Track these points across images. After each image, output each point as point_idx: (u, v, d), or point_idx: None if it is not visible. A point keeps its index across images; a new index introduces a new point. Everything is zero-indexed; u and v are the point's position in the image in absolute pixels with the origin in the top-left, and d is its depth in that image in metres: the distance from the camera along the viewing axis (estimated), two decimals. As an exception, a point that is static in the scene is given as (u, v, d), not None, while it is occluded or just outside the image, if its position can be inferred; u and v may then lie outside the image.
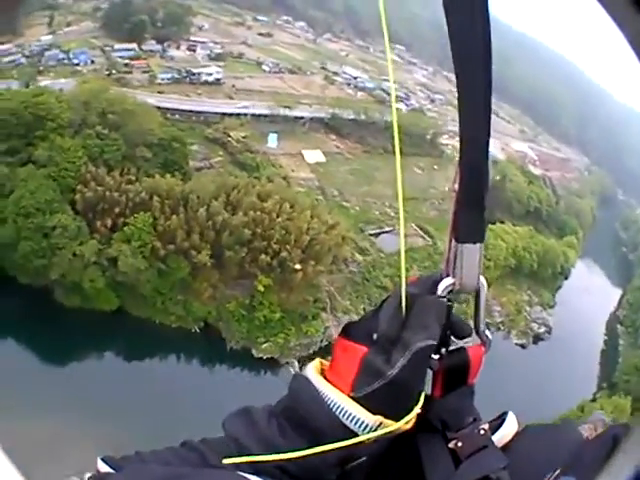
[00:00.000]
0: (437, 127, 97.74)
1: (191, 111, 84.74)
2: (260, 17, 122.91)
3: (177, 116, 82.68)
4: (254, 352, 64.59)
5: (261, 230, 64.55)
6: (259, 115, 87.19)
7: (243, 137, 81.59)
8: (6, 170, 62.35)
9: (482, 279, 1.81)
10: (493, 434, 1.74)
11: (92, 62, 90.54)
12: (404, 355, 1.60)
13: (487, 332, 1.84)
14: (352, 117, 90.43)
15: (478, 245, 1.75)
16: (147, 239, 62.33)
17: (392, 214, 75.77)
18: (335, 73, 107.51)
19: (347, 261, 72.06)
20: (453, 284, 1.76)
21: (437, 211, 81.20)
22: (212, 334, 65.41)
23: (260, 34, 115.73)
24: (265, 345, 64.93)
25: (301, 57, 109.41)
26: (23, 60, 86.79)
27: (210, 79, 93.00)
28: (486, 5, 1.42)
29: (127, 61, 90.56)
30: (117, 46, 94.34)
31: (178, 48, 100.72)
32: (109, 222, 62.75)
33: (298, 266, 63.97)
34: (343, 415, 1.58)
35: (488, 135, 1.57)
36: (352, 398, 1.60)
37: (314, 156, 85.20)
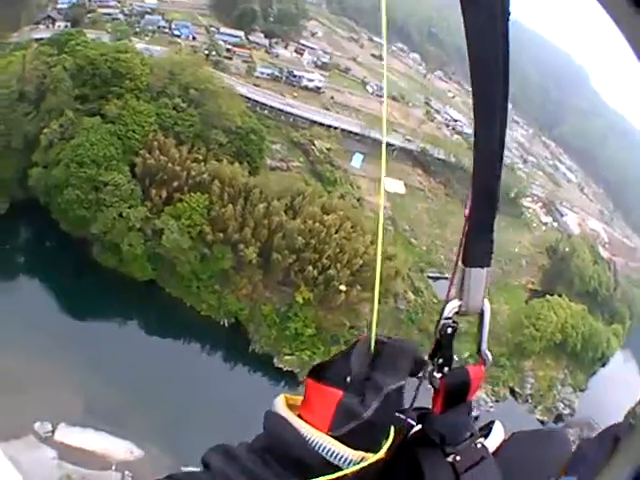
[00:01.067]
0: (522, 188, 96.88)
1: (281, 110, 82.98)
2: (376, 38, 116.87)
3: (266, 112, 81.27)
4: (275, 360, 62.49)
5: (315, 242, 62.11)
6: (349, 132, 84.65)
7: (327, 149, 79.75)
8: (72, 115, 62.06)
9: (486, 302, 1.85)
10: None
11: (193, 38, 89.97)
12: (377, 398, 1.64)
13: (487, 352, 1.89)
14: (441, 157, 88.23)
15: (485, 269, 1.80)
16: (198, 221, 60.96)
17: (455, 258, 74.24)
18: (437, 111, 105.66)
19: (397, 296, 68.92)
20: (459, 306, 1.81)
21: (501, 271, 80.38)
22: (238, 331, 63.42)
23: (372, 55, 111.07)
24: (289, 357, 62.51)
25: (407, 87, 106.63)
26: (121, 16, 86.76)
27: (310, 85, 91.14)
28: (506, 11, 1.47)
29: (230, 47, 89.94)
30: (223, 29, 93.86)
31: (286, 47, 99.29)
32: (164, 193, 62.01)
33: (343, 287, 61.42)
34: (326, 452, 1.60)
35: (501, 163, 1.64)
36: (332, 437, 1.62)
37: (395, 186, 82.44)
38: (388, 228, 75.75)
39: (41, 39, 72.26)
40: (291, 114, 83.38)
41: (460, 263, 1.77)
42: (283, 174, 74.03)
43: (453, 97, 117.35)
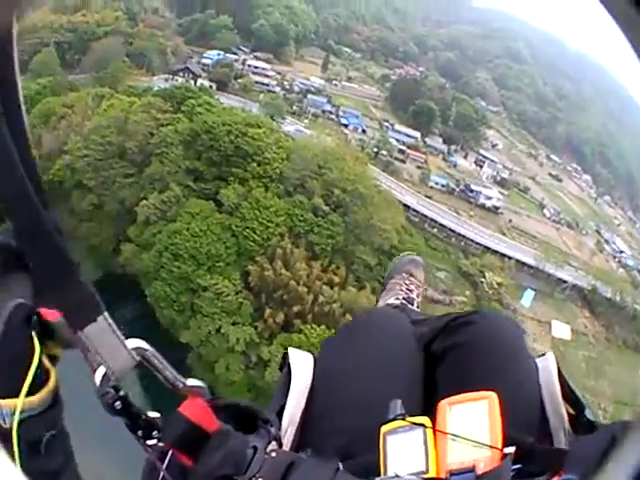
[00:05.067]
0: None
1: (453, 231, 74.52)
2: (553, 156, 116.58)
3: (435, 230, 73.14)
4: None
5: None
6: (523, 264, 76.02)
7: (498, 284, 70.53)
8: (178, 192, 53.22)
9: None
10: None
11: (363, 131, 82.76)
12: None
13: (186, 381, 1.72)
14: (608, 295, 78.00)
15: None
16: None
17: (602, 419, 59.10)
18: (606, 241, 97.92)
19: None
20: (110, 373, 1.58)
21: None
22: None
23: (550, 174, 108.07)
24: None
25: (581, 213, 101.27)
26: (277, 89, 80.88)
27: (488, 204, 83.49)
28: None
29: (404, 148, 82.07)
30: (398, 127, 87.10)
31: (465, 157, 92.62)
32: (280, 317, 51.63)
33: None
34: None
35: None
36: None
37: (562, 331, 74.10)
38: None
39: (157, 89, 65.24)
40: (464, 237, 74.60)
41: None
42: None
43: (619, 225, 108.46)
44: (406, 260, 4.02)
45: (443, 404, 1.88)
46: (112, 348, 1.53)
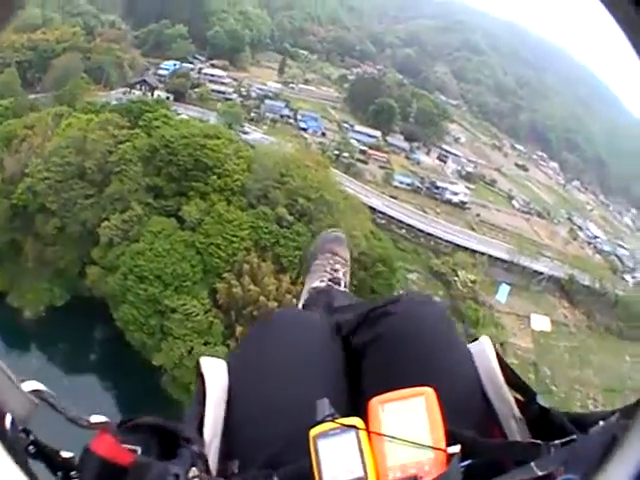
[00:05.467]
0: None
1: (421, 231, 73.07)
2: (518, 146, 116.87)
3: (404, 231, 71.88)
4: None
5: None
6: (496, 259, 75.27)
7: (472, 281, 69.80)
8: (140, 211, 51.62)
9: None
10: None
11: (323, 134, 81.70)
12: None
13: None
14: (587, 283, 78.50)
15: None
16: None
17: (592, 407, 64.35)
18: (580, 228, 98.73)
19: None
20: None
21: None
22: None
23: (516, 165, 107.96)
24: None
25: (551, 201, 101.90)
26: (234, 96, 79.27)
27: (455, 199, 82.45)
28: None
29: (365, 148, 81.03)
30: (358, 127, 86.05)
31: (428, 154, 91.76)
32: None
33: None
34: None
35: None
36: None
37: (541, 323, 73.78)
38: (530, 376, 65.29)
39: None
40: (432, 236, 73.17)
41: None
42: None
43: (591, 210, 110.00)
44: (329, 238, 3.78)
45: (374, 403, 1.73)
46: (10, 394, 1.48)
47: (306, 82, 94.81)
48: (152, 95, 71.60)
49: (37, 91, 74.00)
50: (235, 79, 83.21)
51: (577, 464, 1.52)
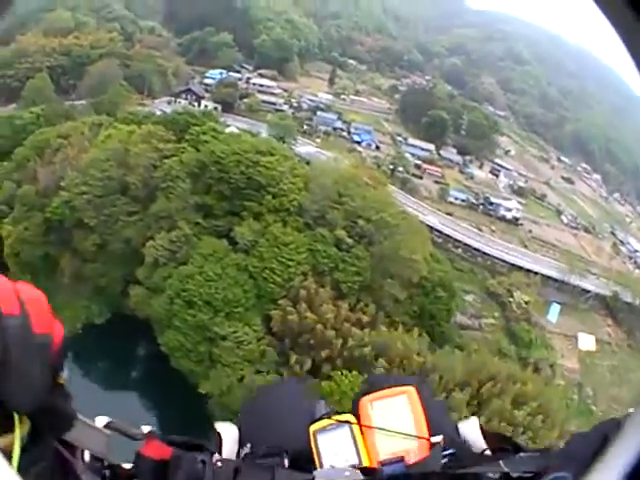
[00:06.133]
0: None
1: (478, 250, 72.26)
2: (564, 158, 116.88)
3: (460, 250, 70.50)
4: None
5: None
6: (548, 277, 74.53)
7: (526, 302, 68.54)
8: (188, 231, 48.98)
9: None
10: None
11: (377, 147, 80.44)
12: None
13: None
14: (629, 300, 77.23)
15: None
16: (347, 408, 41.26)
17: None
18: (622, 242, 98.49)
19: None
20: None
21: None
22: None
23: (563, 177, 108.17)
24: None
25: (595, 215, 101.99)
26: (285, 107, 77.49)
27: (508, 215, 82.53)
28: None
29: (419, 162, 79.77)
30: (411, 140, 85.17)
31: (480, 167, 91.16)
32: (307, 363, 47.50)
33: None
34: None
35: None
36: None
37: (588, 343, 73.43)
38: (573, 397, 65.32)
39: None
40: (488, 255, 71.89)
41: None
42: (477, 337, 61.76)
43: (630, 222, 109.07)
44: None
45: (364, 401, 1.99)
46: (91, 437, 1.65)
47: (357, 93, 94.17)
48: (199, 105, 70.37)
49: (72, 98, 72.60)
50: (285, 89, 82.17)
51: (569, 462, 1.59)
